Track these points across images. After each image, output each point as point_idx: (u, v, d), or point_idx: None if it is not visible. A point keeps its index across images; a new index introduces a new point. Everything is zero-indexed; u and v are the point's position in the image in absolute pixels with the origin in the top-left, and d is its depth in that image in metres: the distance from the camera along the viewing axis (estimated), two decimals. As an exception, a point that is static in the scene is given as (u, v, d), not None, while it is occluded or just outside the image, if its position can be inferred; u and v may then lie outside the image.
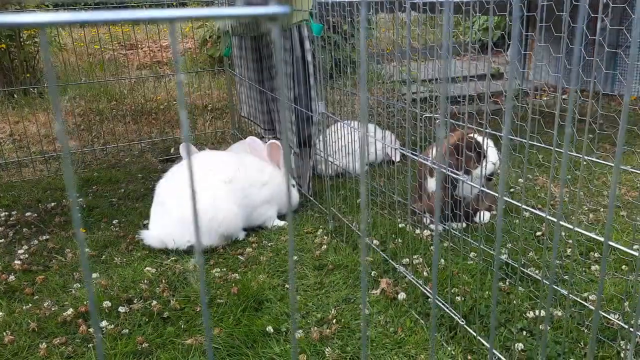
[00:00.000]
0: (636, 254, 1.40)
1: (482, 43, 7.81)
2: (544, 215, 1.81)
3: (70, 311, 2.40)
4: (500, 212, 0.91)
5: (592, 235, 1.63)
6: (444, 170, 2.54)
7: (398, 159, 3.23)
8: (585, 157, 1.96)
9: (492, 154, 2.96)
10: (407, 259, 2.72)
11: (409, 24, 2.37)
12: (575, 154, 1.94)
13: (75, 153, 4.79)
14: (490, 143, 2.97)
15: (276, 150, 3.39)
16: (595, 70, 1.80)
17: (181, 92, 0.50)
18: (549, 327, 2.17)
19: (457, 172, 2.65)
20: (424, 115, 2.43)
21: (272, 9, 0.45)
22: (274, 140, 3.42)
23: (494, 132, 2.49)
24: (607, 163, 1.89)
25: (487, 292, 2.42)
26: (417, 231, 3.05)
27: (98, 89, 6.25)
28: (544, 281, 2.24)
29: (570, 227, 1.56)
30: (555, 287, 2.40)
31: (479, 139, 2.91)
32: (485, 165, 2.93)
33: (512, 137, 2.13)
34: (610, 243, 1.52)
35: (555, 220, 1.72)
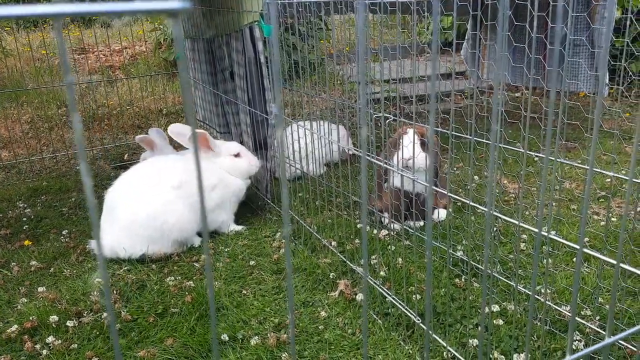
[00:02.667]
0: (578, 246, 1.43)
1: (437, 44, 7.92)
2: (488, 210, 1.83)
3: (14, 327, 2.29)
4: (430, 208, 0.89)
5: (530, 227, 1.66)
6: (375, 160, 2.55)
7: (352, 152, 3.24)
8: (533, 153, 2.00)
9: (409, 148, 2.88)
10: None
11: (360, 25, 2.36)
12: (519, 150, 1.97)
13: (22, 162, 4.60)
14: (413, 137, 2.91)
15: (200, 139, 3.23)
16: (536, 68, 1.84)
17: (72, 94, 0.46)
18: (502, 322, 2.20)
19: (388, 164, 2.67)
20: (374, 115, 2.43)
21: (171, 4, 0.42)
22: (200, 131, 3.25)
23: (441, 130, 2.52)
24: (542, 156, 1.93)
25: (442, 290, 2.44)
26: (375, 231, 3.05)
27: (47, 95, 6.03)
28: (496, 275, 2.27)
29: (515, 222, 1.58)
30: (508, 281, 2.44)
31: (409, 132, 2.91)
32: (398, 157, 2.89)
33: (459, 135, 2.15)
34: (553, 237, 1.54)
35: (503, 216, 1.75)
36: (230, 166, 3.29)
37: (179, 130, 3.30)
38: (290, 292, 0.68)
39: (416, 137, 2.84)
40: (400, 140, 2.92)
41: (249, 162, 3.36)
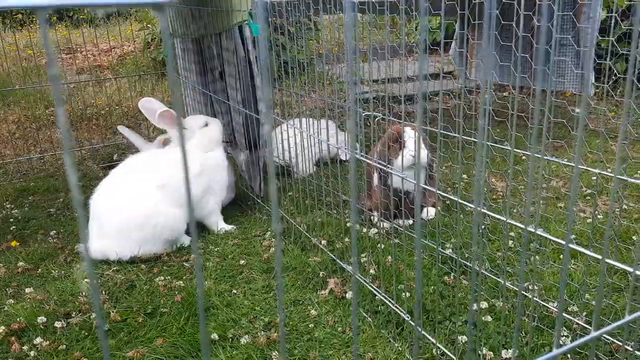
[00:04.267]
0: (565, 243, 1.45)
1: (425, 44, 7.95)
2: (479, 208, 1.85)
3: (1, 329, 2.27)
4: (418, 207, 0.90)
5: (518, 224, 1.68)
6: (374, 163, 2.56)
7: (346, 157, 3.23)
8: (520, 151, 2.02)
9: (412, 146, 2.93)
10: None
11: (348, 23, 2.37)
12: (509, 148, 1.99)
13: (9, 162, 4.56)
14: (412, 134, 2.93)
15: (167, 118, 3.13)
16: (523, 67, 1.86)
17: (57, 87, 0.46)
18: (490, 318, 2.22)
19: (384, 163, 2.69)
20: (364, 114, 2.44)
21: (157, -3, 0.43)
22: (166, 109, 3.12)
23: (429, 128, 2.53)
24: (529, 154, 1.95)
25: (432, 287, 2.45)
26: (365, 230, 3.06)
27: (34, 95, 5.97)
28: (484, 272, 2.29)
29: (503, 218, 1.59)
30: (497, 278, 2.46)
31: (408, 130, 2.93)
32: (403, 156, 2.92)
33: (447, 133, 2.17)
34: (541, 233, 1.56)
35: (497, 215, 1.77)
36: (205, 139, 3.25)
37: (149, 106, 3.18)
38: (281, 288, 0.68)
39: (415, 134, 2.86)
40: (403, 139, 2.94)
41: (218, 126, 3.35)
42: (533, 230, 1.65)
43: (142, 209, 2.87)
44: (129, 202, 2.88)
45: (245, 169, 3.81)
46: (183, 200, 2.96)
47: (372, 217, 3.24)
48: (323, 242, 2.93)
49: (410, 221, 3.20)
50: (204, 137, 3.27)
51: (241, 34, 3.23)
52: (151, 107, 3.17)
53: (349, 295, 2.46)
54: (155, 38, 7.26)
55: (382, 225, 3.07)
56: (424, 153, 2.94)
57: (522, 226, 1.67)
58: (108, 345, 2.18)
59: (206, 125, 3.32)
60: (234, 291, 2.59)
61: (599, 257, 1.25)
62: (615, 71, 3.96)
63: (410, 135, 2.93)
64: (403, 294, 2.37)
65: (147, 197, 2.89)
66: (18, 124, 5.47)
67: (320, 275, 2.67)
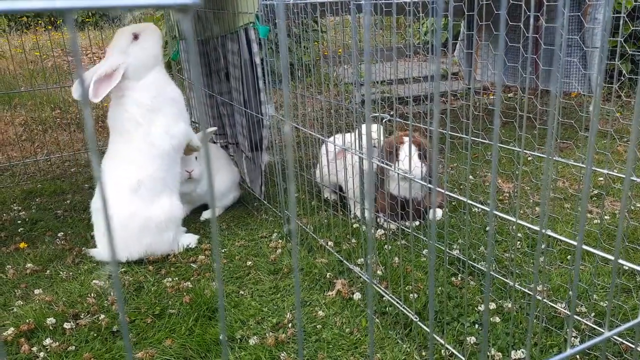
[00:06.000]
0: (576, 243, 1.45)
1: (432, 45, 7.96)
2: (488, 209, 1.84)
3: (11, 330, 2.28)
4: (410, 215, 0.90)
5: (528, 224, 1.68)
6: (379, 162, 2.56)
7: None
8: (529, 152, 2.02)
9: (405, 161, 2.91)
10: (362, 259, 2.73)
11: (354, 25, 2.38)
12: (517, 149, 1.99)
13: (16, 165, 4.58)
14: (406, 149, 2.92)
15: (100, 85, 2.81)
16: (532, 68, 1.86)
17: (84, 87, 0.47)
18: (499, 319, 2.21)
19: (388, 165, 2.70)
20: (370, 115, 2.44)
21: (182, -1, 0.43)
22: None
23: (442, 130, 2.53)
24: (537, 155, 1.95)
25: (439, 288, 2.45)
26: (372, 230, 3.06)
27: (40, 98, 6.00)
28: (492, 273, 2.28)
29: (512, 219, 1.59)
30: (505, 279, 2.45)
31: (405, 145, 2.94)
32: (396, 169, 2.91)
33: (453, 134, 2.17)
34: (550, 233, 1.56)
35: (507, 215, 1.77)
36: (140, 60, 2.89)
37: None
38: (297, 282, 0.68)
39: (414, 148, 2.86)
40: (398, 152, 2.94)
41: (153, 36, 2.95)
42: (543, 231, 1.65)
43: (164, 209, 2.90)
44: (126, 205, 2.85)
45: (246, 171, 3.82)
46: (163, 189, 2.94)
47: (378, 219, 3.24)
48: (330, 243, 2.93)
49: (417, 222, 3.20)
50: (139, 54, 2.90)
51: (246, 36, 3.24)
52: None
53: (356, 296, 2.47)
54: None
55: (388, 227, 3.07)
56: (417, 169, 2.91)
57: (531, 226, 1.68)
58: (118, 347, 2.19)
59: (136, 38, 2.91)
60: (242, 292, 2.59)
61: (611, 257, 1.24)
62: (622, 72, 3.95)
63: (405, 150, 2.91)
64: (411, 295, 2.37)
65: (164, 197, 2.92)
66: (25, 126, 5.49)
67: (327, 276, 2.67)
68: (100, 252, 2.93)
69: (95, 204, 3.00)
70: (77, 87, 2.81)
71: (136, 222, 2.84)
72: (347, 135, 3.11)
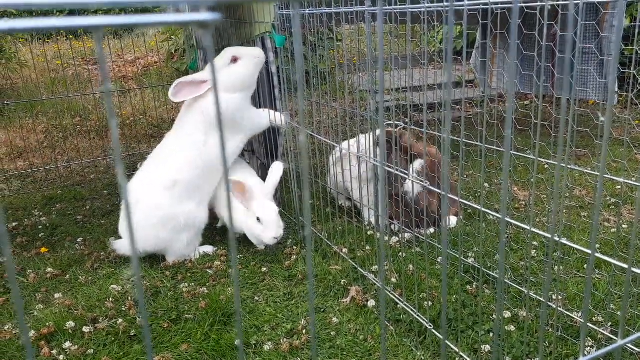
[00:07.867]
0: (590, 252, 1.45)
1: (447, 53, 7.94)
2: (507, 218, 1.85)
3: (32, 333, 2.33)
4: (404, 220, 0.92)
5: (542, 233, 1.68)
6: (386, 167, 2.57)
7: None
8: (544, 160, 2.02)
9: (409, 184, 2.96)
10: (377, 267, 2.73)
11: (369, 33, 2.41)
12: (532, 157, 1.99)
13: (37, 171, 4.68)
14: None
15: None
16: (545, 76, 1.86)
17: (109, 101, 0.50)
18: (514, 328, 2.20)
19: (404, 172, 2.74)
20: (385, 122, 2.46)
21: (202, 15, 0.46)
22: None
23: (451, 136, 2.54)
24: (553, 163, 1.95)
25: (454, 296, 2.45)
26: (386, 238, 3.07)
27: (61, 105, 6.13)
28: (507, 281, 2.28)
29: (527, 227, 1.59)
30: (520, 287, 2.44)
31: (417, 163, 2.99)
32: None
33: (468, 142, 2.17)
34: (565, 242, 1.56)
35: (520, 224, 1.77)
36: (230, 80, 3.01)
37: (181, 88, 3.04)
38: (311, 289, 0.70)
39: (425, 167, 2.91)
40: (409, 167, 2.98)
41: (250, 63, 3.06)
42: (557, 239, 1.64)
43: (161, 211, 2.94)
44: (152, 202, 2.92)
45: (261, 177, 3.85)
46: (194, 196, 3.00)
47: (392, 226, 3.25)
48: (344, 250, 2.94)
49: (431, 230, 3.19)
50: (229, 76, 3.03)
51: (263, 45, 3.29)
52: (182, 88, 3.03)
53: (370, 303, 2.47)
54: (178, 49, 7.40)
55: (403, 236, 3.08)
56: (409, 184, 2.97)
57: (547, 235, 1.67)
58: (135, 351, 2.23)
59: (234, 61, 3.04)
60: (256, 298, 2.62)
61: (626, 266, 1.24)
62: (638, 79, 3.92)
63: (414, 168, 2.97)
64: (425, 303, 2.37)
65: (161, 199, 2.95)
66: (46, 134, 5.61)
67: (342, 283, 2.68)
68: (124, 244, 2.96)
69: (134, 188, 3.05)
70: (172, 90, 3.00)
71: (158, 215, 2.90)
72: (352, 140, 3.14)
